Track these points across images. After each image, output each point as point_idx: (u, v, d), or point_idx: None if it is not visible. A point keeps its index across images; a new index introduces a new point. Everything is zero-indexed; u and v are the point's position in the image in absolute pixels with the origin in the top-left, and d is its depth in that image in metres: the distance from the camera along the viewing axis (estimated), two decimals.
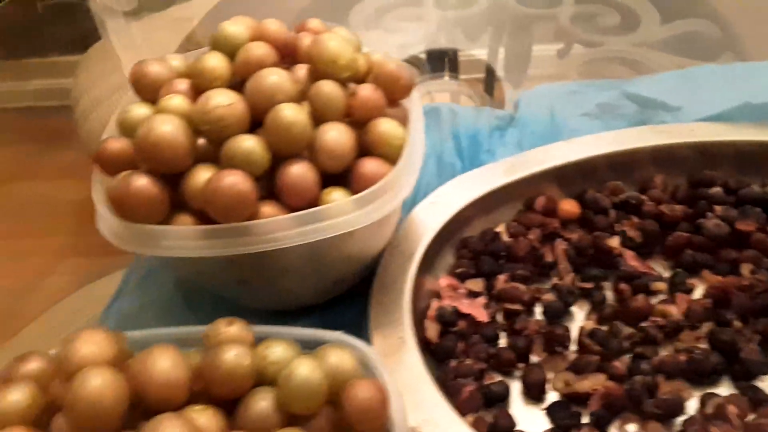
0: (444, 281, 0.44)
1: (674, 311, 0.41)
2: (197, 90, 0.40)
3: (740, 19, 0.74)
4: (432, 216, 0.46)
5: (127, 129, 0.41)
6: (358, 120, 0.39)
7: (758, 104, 0.49)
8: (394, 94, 0.40)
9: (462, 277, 0.45)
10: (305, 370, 0.30)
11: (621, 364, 0.38)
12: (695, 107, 0.51)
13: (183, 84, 0.41)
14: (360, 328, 0.40)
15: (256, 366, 0.31)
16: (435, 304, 0.42)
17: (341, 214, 0.36)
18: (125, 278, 0.48)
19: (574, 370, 0.38)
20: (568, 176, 0.49)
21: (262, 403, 0.31)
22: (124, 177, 0.36)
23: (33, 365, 0.33)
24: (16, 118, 1.57)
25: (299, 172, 0.36)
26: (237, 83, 0.40)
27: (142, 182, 0.36)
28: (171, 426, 0.27)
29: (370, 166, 0.38)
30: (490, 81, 0.89)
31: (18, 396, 0.31)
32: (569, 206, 0.48)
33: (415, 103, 0.41)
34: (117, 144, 0.40)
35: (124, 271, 0.48)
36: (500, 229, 0.47)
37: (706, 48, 0.72)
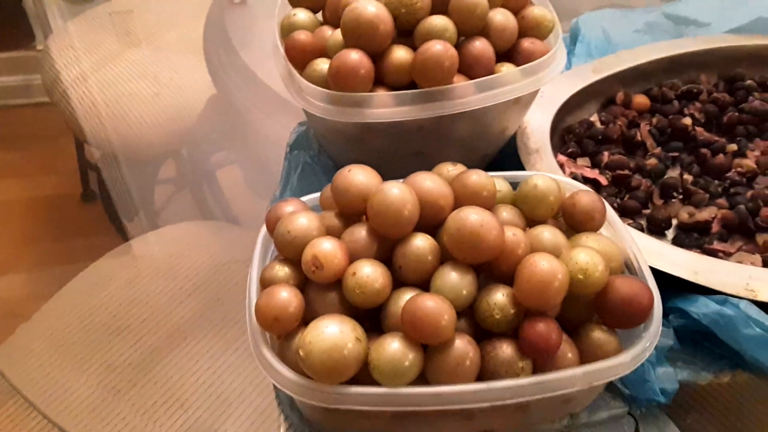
0: (562, 158, 0.53)
1: (750, 163, 0.51)
2: None
3: None
4: (543, 106, 0.54)
5: (290, 30, 0.47)
6: (511, 8, 0.46)
7: None
8: None
9: (573, 156, 0.53)
10: (544, 181, 0.37)
11: (723, 200, 0.49)
12: (721, 23, 0.63)
13: None
14: None
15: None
16: (567, 171, 0.51)
17: (513, 82, 0.44)
18: (284, 178, 0.52)
19: (693, 205, 0.48)
20: (631, 78, 0.59)
21: (504, 213, 0.38)
22: (342, 53, 0.41)
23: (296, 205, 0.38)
24: None
25: (482, 46, 0.44)
26: None
27: (356, 56, 0.41)
28: (473, 210, 0.33)
29: (530, 44, 0.45)
30: None
31: (306, 219, 0.36)
32: (642, 99, 0.58)
33: None
34: (302, 36, 0.45)
35: (281, 173, 0.53)
36: (593, 118, 0.56)
37: None
